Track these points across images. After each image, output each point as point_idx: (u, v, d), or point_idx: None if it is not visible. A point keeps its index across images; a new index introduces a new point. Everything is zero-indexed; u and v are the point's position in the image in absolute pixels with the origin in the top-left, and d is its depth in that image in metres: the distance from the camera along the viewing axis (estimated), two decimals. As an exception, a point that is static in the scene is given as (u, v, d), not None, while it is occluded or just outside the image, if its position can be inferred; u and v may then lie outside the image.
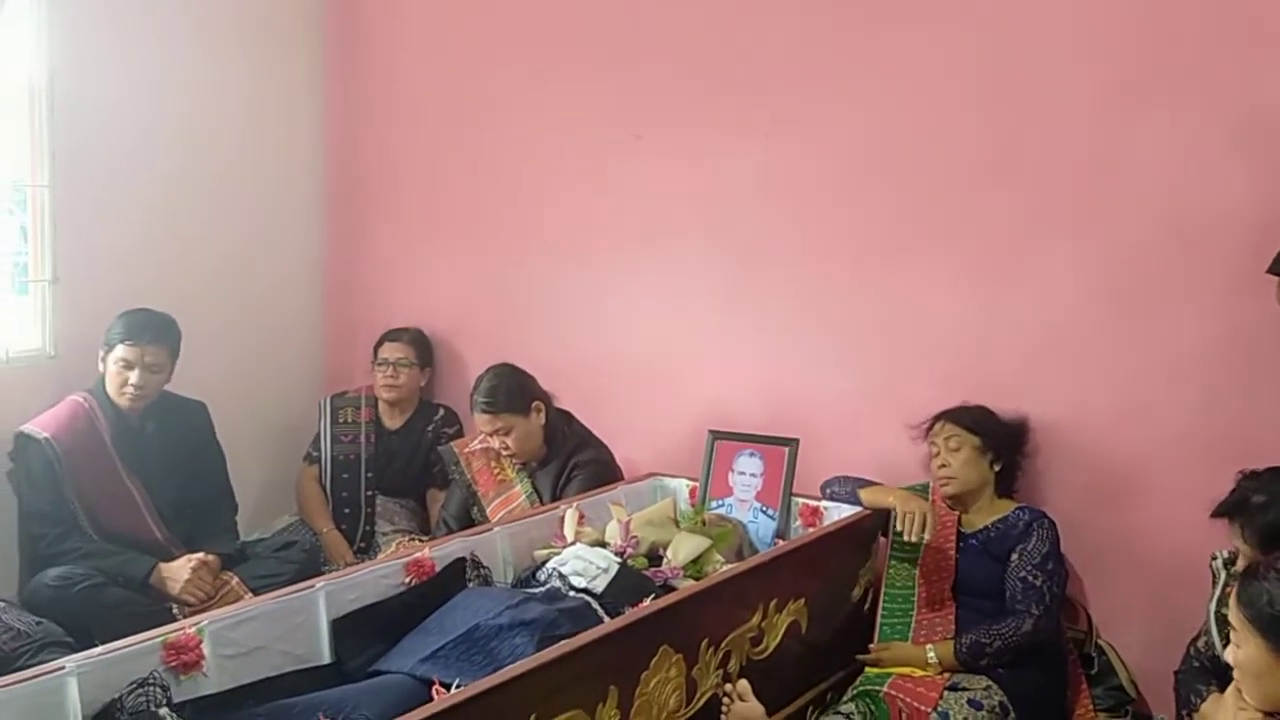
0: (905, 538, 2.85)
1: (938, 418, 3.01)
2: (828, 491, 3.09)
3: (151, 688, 2.01)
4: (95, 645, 2.11)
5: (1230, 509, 2.31)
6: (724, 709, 2.34)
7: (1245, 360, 2.80)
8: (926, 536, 2.83)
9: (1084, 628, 2.98)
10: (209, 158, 3.90)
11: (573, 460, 3.31)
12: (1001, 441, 2.98)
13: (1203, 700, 2.33)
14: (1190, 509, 2.82)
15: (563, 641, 2.11)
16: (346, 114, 4.28)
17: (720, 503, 3.17)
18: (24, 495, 3.12)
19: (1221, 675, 2.19)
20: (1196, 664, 2.45)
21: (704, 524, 2.94)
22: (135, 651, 2.06)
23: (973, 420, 2.98)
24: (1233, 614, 1.85)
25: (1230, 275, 2.78)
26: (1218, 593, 2.38)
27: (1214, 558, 2.46)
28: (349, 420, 3.94)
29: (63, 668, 1.96)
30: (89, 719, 1.95)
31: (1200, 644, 2.46)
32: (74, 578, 2.90)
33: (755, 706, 2.33)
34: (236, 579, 3.15)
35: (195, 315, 3.33)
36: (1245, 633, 1.82)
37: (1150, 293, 2.90)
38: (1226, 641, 1.90)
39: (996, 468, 2.97)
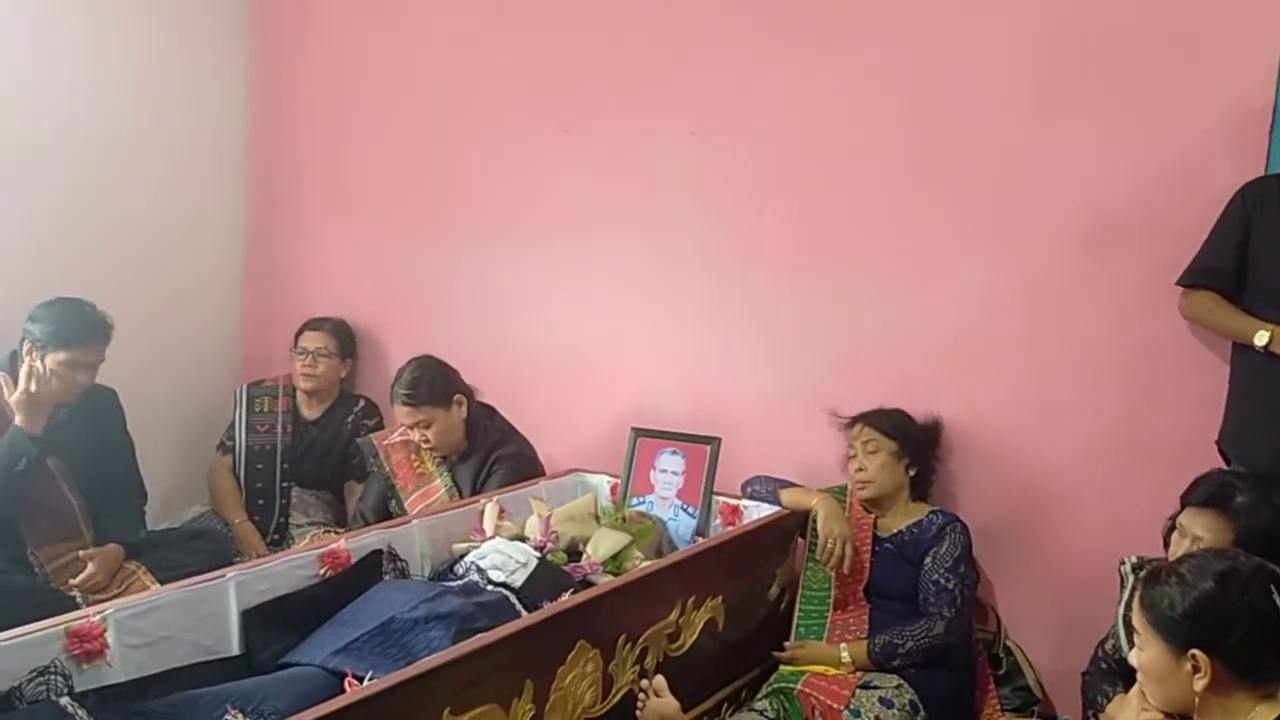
0: (823, 565, 2.89)
1: (856, 419, 3.05)
2: (748, 491, 3.11)
3: (53, 676, 1.96)
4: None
5: (1214, 501, 2.29)
6: (640, 704, 2.34)
7: (1153, 369, 2.87)
8: (845, 568, 2.87)
9: (993, 629, 3.04)
10: (129, 141, 3.83)
11: (494, 455, 3.28)
12: (918, 446, 3.02)
13: (1109, 701, 2.38)
14: (1099, 513, 2.92)
15: (479, 635, 2.09)
16: (274, 99, 4.21)
17: (641, 500, 3.18)
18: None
19: (1128, 677, 2.23)
20: (1104, 665, 2.50)
21: (624, 520, 2.96)
22: (36, 639, 2.00)
23: (890, 425, 3.01)
24: (1136, 617, 1.89)
25: (1141, 285, 2.85)
26: (1125, 596, 2.43)
27: (1122, 562, 2.51)
28: (265, 409, 3.87)
29: (-42, 654, 1.89)
30: (-14, 707, 1.89)
31: (1108, 646, 2.51)
32: (-28, 564, 2.80)
33: (670, 702, 2.34)
34: (143, 569, 3.07)
35: (108, 298, 3.22)
36: (1148, 635, 1.86)
37: (1064, 301, 2.97)
38: (1133, 644, 1.94)
39: (912, 472, 3.01)
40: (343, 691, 1.96)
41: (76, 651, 2.03)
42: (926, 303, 3.14)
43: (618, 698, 2.34)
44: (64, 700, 1.93)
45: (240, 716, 1.89)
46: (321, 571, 2.53)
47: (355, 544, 2.63)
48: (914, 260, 3.16)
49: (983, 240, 3.06)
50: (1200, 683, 1.78)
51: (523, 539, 2.78)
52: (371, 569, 2.62)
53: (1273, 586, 1.78)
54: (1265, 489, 2.31)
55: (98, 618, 2.09)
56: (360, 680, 2.03)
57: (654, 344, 3.55)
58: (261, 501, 3.76)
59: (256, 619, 2.35)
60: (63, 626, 2.04)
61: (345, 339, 3.93)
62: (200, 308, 4.17)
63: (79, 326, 3.05)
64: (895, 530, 2.97)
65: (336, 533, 3.27)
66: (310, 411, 3.88)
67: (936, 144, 3.10)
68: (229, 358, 4.27)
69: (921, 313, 3.15)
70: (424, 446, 3.29)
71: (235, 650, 2.32)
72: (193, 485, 3.94)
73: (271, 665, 2.29)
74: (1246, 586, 1.78)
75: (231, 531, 3.66)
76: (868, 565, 2.93)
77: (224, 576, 2.35)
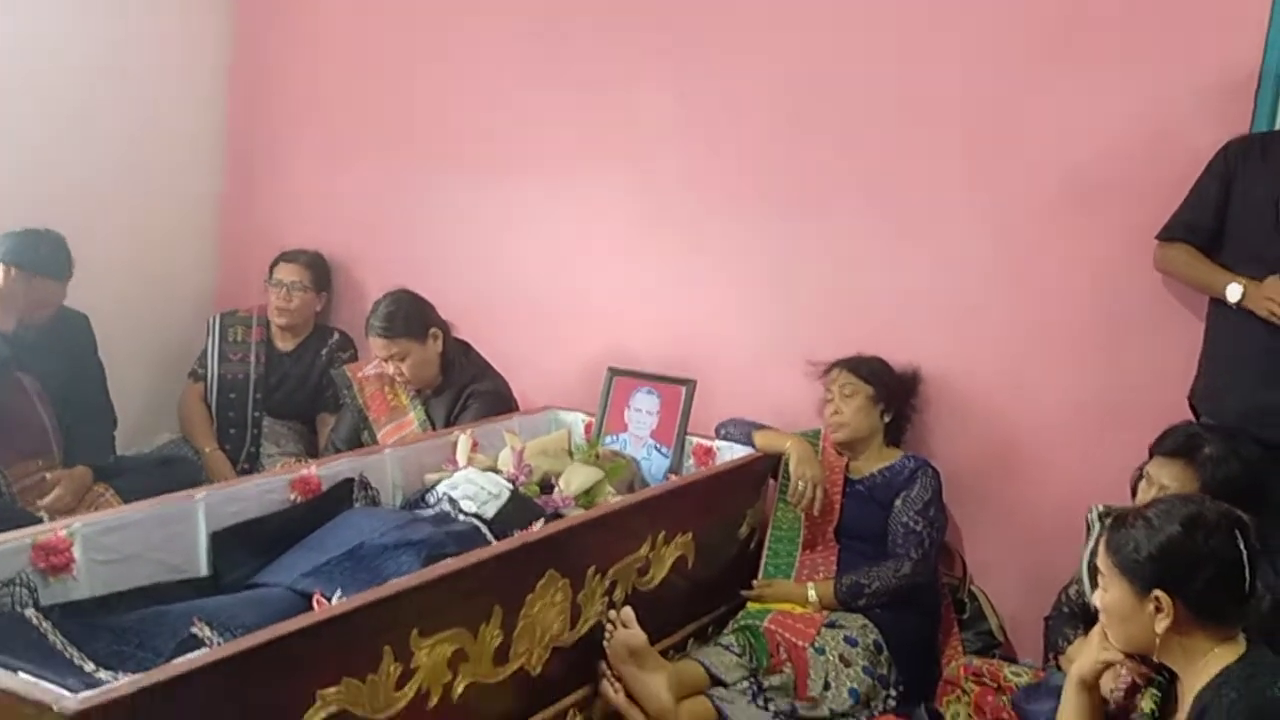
0: (795, 506, 2.90)
1: (834, 365, 3.05)
2: (722, 432, 3.11)
3: (18, 588, 1.94)
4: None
5: (1182, 451, 2.34)
6: (607, 635, 2.36)
7: (1132, 327, 2.88)
8: (815, 510, 2.88)
9: (959, 574, 3.07)
10: (109, 70, 3.75)
11: (468, 390, 3.27)
12: (894, 392, 3.04)
13: (1069, 644, 2.42)
14: (1069, 465, 2.95)
15: (448, 559, 2.09)
16: (257, 29, 4.13)
17: (615, 438, 3.18)
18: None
19: (1090, 621, 2.26)
20: (1066, 610, 2.54)
21: (598, 458, 2.95)
22: (2, 551, 1.97)
23: (868, 370, 3.02)
24: (1101, 559, 1.91)
25: (1126, 243, 2.85)
26: (1091, 543, 2.46)
27: (1090, 510, 2.53)
28: (239, 339, 3.83)
29: (-77, 564, 1.88)
30: (-50, 617, 1.87)
31: (1071, 591, 2.54)
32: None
33: (638, 634, 2.36)
34: (111, 491, 3.06)
35: (84, 223, 3.20)
36: (1112, 577, 1.88)
37: (1046, 257, 2.97)
38: (1097, 588, 1.97)
39: (887, 418, 3.03)
40: (311, 610, 1.96)
41: (43, 565, 2.01)
42: (911, 255, 3.14)
43: (586, 628, 2.35)
44: (29, 612, 1.92)
45: (207, 628, 1.89)
46: (292, 497, 2.52)
47: (326, 471, 2.62)
48: (901, 213, 3.15)
49: (971, 194, 3.05)
50: (1162, 623, 1.80)
51: (496, 471, 2.77)
52: (342, 496, 2.61)
53: (1237, 532, 1.80)
54: (1232, 442, 2.35)
55: (65, 532, 2.07)
56: (329, 600, 2.03)
57: (634, 284, 3.53)
58: (233, 430, 3.75)
59: (225, 541, 2.34)
60: (29, 539, 2.02)
61: (320, 272, 3.89)
62: (177, 235, 4.11)
63: (33, 259, 3.01)
64: (867, 473, 2.99)
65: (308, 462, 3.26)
66: (284, 343, 3.85)
67: (928, 96, 3.08)
68: (204, 286, 4.22)
69: (906, 265, 3.15)
70: (398, 379, 3.28)
71: (203, 571, 2.31)
72: (163, 412, 3.90)
73: (239, 587, 2.28)
74: (1212, 531, 1.80)
75: (201, 459, 3.64)
76: (838, 507, 2.95)
77: (193, 497, 2.34)
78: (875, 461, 3.00)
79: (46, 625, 1.90)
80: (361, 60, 3.95)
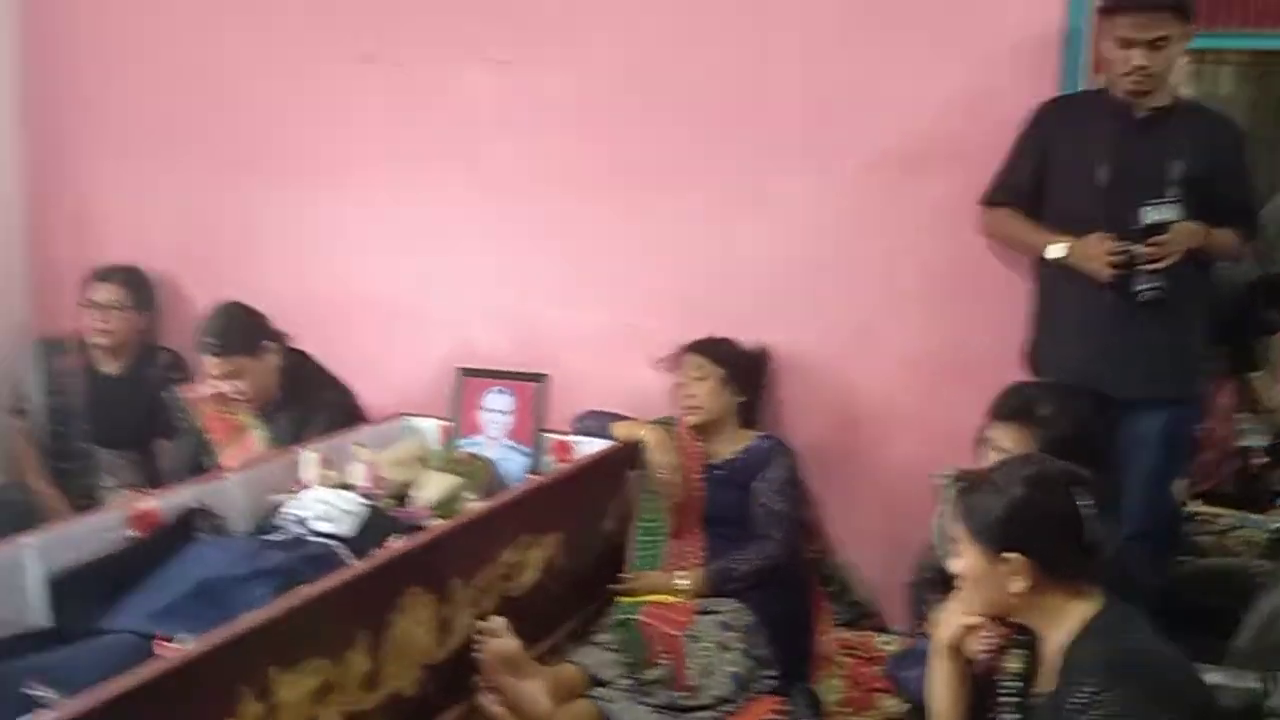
0: (656, 495, 2.91)
1: (684, 350, 3.06)
2: (579, 426, 3.08)
3: None
4: None
5: (1017, 413, 2.38)
6: (479, 647, 2.31)
7: (966, 288, 2.98)
8: (677, 497, 2.90)
9: (821, 547, 3.12)
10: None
11: (311, 403, 3.14)
12: (745, 373, 3.06)
13: (932, 609, 2.47)
14: (918, 430, 3.02)
15: (301, 588, 2.00)
16: (51, 26, 3.87)
17: (470, 441, 3.11)
18: None
19: (950, 585, 2.32)
20: (927, 575, 2.59)
21: (454, 463, 2.89)
22: None
23: (718, 352, 3.03)
24: (954, 527, 1.95)
25: (956, 206, 2.93)
26: (942, 507, 2.51)
27: (939, 475, 2.58)
28: (62, 368, 3.61)
29: None
30: None
31: (930, 556, 2.60)
32: None
33: (510, 642, 2.31)
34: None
35: None
36: (965, 543, 1.92)
37: (879, 223, 3.04)
38: (951, 553, 2.00)
39: (740, 398, 3.05)
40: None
41: None
42: (750, 232, 3.17)
43: (456, 642, 2.29)
44: None
45: (46, 687, 1.76)
46: (131, 534, 2.38)
47: (166, 503, 2.48)
48: (737, 190, 3.17)
49: (803, 167, 3.09)
50: (1017, 584, 1.84)
51: (347, 487, 2.68)
52: (186, 528, 2.48)
53: (1076, 487, 1.86)
54: (1064, 399, 2.41)
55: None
56: (172, 643, 1.92)
57: (476, 282, 3.46)
58: (64, 465, 3.53)
59: (65, 588, 2.18)
60: None
61: (141, 289, 3.66)
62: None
63: None
64: (725, 457, 3.00)
65: (147, 493, 3.09)
66: (110, 367, 3.64)
67: (759, 71, 3.11)
68: (16, 314, 3.94)
69: (745, 242, 3.18)
70: (236, 398, 3.14)
71: (44, 622, 2.16)
72: (-13, 456, 3.66)
73: (85, 636, 2.14)
74: (1053, 489, 1.85)
75: (34, 501, 3.41)
76: (700, 493, 2.96)
77: (18, 543, 2.18)
78: (731, 444, 3.02)
79: None
80: (174, 63, 3.74)
